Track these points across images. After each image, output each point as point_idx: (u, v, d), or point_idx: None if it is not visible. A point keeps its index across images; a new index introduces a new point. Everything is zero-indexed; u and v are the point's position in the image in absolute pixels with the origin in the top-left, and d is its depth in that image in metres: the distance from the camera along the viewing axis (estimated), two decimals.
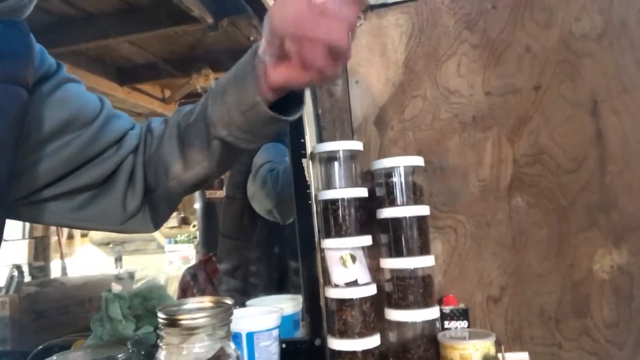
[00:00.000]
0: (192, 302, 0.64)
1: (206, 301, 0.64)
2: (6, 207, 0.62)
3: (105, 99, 0.74)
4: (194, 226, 4.65)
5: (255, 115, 0.63)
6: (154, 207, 0.74)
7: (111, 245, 4.60)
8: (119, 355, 0.83)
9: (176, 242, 4.61)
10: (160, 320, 0.59)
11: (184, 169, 0.69)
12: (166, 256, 4.48)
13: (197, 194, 3.81)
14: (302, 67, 0.57)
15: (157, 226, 0.77)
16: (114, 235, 5.08)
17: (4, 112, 0.57)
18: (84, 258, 4.38)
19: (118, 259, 4.22)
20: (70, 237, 4.48)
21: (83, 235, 4.76)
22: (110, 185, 0.71)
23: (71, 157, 0.66)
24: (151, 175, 0.72)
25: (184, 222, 4.95)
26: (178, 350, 0.58)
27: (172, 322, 0.58)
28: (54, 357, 0.83)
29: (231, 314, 0.62)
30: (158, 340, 0.60)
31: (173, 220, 4.83)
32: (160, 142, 0.71)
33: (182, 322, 0.58)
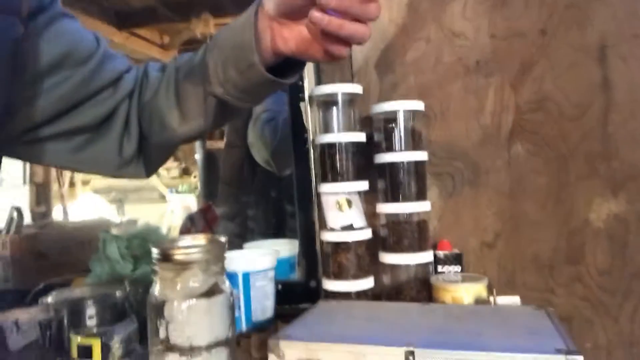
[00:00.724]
0: (186, 239, 0.64)
1: (200, 238, 0.64)
2: (3, 143, 0.62)
3: (102, 37, 0.71)
4: (194, 176, 4.67)
5: (252, 75, 0.61)
6: (147, 155, 0.74)
7: (113, 194, 4.64)
8: (117, 293, 0.84)
9: (177, 192, 4.64)
10: (155, 256, 0.59)
11: (180, 123, 0.68)
12: (168, 206, 4.52)
13: (197, 145, 3.81)
14: (316, 41, 0.56)
15: (149, 174, 0.77)
16: (115, 183, 5.11)
17: None
18: (85, 205, 4.42)
19: (120, 207, 4.26)
20: (72, 184, 4.50)
21: (84, 183, 4.79)
22: (106, 128, 0.70)
23: (67, 94, 0.65)
24: (145, 122, 0.71)
25: (185, 172, 4.96)
26: (172, 285, 0.58)
27: (166, 257, 0.58)
28: (54, 293, 0.85)
29: (225, 250, 0.62)
30: (153, 276, 0.60)
31: (174, 171, 4.84)
32: (157, 91, 0.70)
33: (176, 256, 0.58)
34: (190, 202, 4.46)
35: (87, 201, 4.57)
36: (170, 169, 4.93)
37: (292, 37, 0.60)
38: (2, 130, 0.61)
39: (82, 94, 0.66)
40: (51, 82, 0.63)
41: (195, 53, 0.68)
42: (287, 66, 0.64)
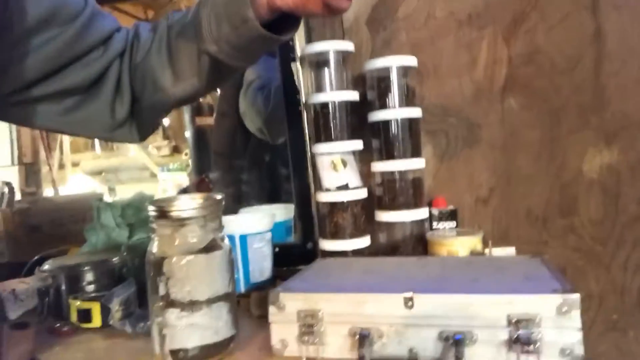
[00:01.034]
0: (184, 197, 0.63)
1: (197, 197, 0.64)
2: None
3: None
4: (186, 154, 4.64)
5: (247, 31, 0.60)
6: (140, 118, 0.73)
7: (103, 174, 4.60)
8: (114, 259, 0.84)
9: (169, 170, 4.61)
10: (152, 213, 0.59)
11: (173, 83, 0.67)
12: (159, 184, 4.50)
13: (187, 121, 3.77)
14: None
15: (142, 137, 0.75)
16: (105, 164, 5.06)
17: None
18: (76, 187, 4.38)
19: (111, 188, 4.23)
20: (62, 166, 4.46)
21: (74, 165, 4.74)
22: (97, 89, 0.69)
23: (56, 52, 0.64)
24: (137, 84, 0.70)
25: (176, 150, 4.92)
26: (170, 241, 0.58)
27: (164, 214, 0.58)
28: (50, 261, 0.84)
29: (222, 207, 0.62)
30: (150, 234, 0.60)
31: (165, 149, 4.79)
32: (149, 50, 0.68)
33: (173, 213, 0.58)
34: (182, 180, 4.44)
35: (77, 182, 4.53)
36: (160, 147, 4.88)
37: None
38: None
39: (71, 52, 0.65)
40: (39, 40, 0.62)
41: (188, 10, 0.67)
42: (282, 22, 0.62)
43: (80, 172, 4.95)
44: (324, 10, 0.58)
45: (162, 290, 0.58)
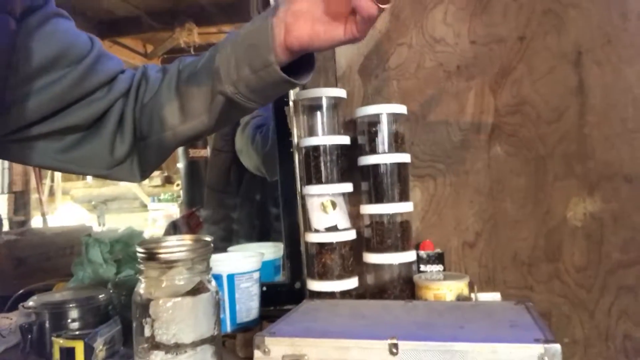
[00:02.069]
0: (172, 239, 0.64)
1: (186, 239, 0.65)
2: None
3: (96, 38, 0.71)
4: (177, 185, 4.64)
5: (267, 75, 0.61)
6: (143, 156, 0.73)
7: (93, 203, 4.58)
8: (100, 296, 0.83)
9: (159, 200, 4.60)
10: (140, 255, 0.60)
11: (181, 121, 0.68)
12: (150, 214, 4.47)
13: (180, 153, 3.78)
14: (333, 19, 0.56)
15: (143, 176, 0.75)
16: (95, 193, 5.04)
17: None
18: (65, 215, 4.35)
19: (100, 217, 4.20)
20: (52, 194, 4.43)
21: (64, 193, 4.72)
22: (98, 128, 0.69)
23: (60, 94, 0.64)
24: (145, 123, 0.70)
25: (168, 181, 4.92)
26: (157, 283, 0.58)
27: (152, 256, 0.59)
28: (35, 297, 0.84)
29: (210, 250, 0.63)
30: (137, 275, 0.60)
31: (156, 179, 4.80)
32: (158, 90, 0.69)
33: (161, 255, 0.59)
34: (172, 211, 4.42)
35: (67, 211, 4.50)
36: (152, 177, 4.89)
37: (305, 26, 0.59)
38: None
39: (75, 93, 0.66)
40: (44, 82, 0.63)
41: (201, 56, 0.68)
42: (299, 66, 0.64)
43: (70, 201, 4.93)
44: (347, 30, 0.58)
45: (147, 332, 0.57)
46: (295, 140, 0.93)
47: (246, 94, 0.63)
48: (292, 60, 0.62)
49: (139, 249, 0.60)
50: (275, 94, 0.68)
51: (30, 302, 0.82)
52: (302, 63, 0.64)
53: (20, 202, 2.74)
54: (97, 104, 0.68)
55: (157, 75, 0.71)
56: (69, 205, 4.79)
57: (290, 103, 0.94)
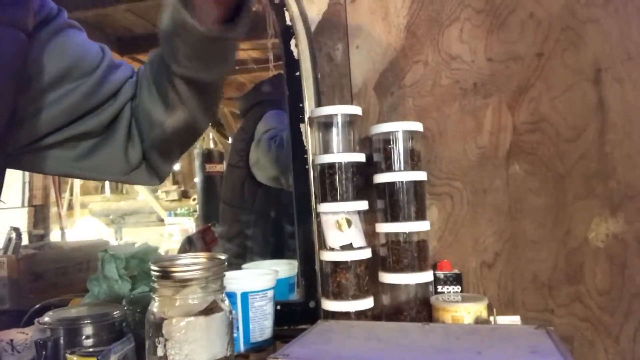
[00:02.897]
0: (186, 257, 0.64)
1: (200, 257, 0.64)
2: (6, 155, 0.62)
3: (107, 48, 0.72)
4: (194, 199, 4.67)
5: (190, 35, 0.60)
6: (150, 159, 0.74)
7: (111, 217, 4.63)
8: (115, 313, 0.83)
9: (176, 215, 4.63)
10: (154, 273, 0.59)
11: (165, 115, 0.68)
12: (166, 229, 4.50)
13: (197, 168, 3.82)
14: None
15: (160, 179, 0.76)
16: (113, 207, 5.10)
17: (3, 56, 0.56)
18: (83, 228, 4.40)
19: (118, 231, 4.24)
20: (70, 207, 4.50)
21: (83, 207, 4.78)
22: (111, 133, 0.70)
23: (74, 105, 0.65)
24: (140, 125, 0.71)
25: (184, 195, 4.96)
26: (171, 302, 0.58)
27: (166, 274, 0.59)
28: (50, 313, 0.84)
29: (224, 268, 0.62)
30: (151, 293, 0.60)
31: (173, 193, 4.85)
32: (141, 90, 0.70)
33: (176, 274, 0.58)
34: (188, 225, 4.45)
35: (85, 224, 4.56)
36: (169, 192, 4.93)
37: None
38: (8, 142, 0.62)
39: (88, 104, 0.67)
40: (57, 94, 0.64)
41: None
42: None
43: (89, 214, 4.99)
44: None
45: (160, 352, 0.57)
46: (310, 157, 0.93)
47: (189, 64, 0.63)
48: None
49: (153, 267, 0.60)
50: (217, 55, 0.65)
51: (46, 318, 0.82)
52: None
53: (39, 216, 2.78)
54: (107, 111, 0.69)
55: (141, 74, 0.72)
56: (87, 219, 4.85)
57: (306, 120, 0.94)
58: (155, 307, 0.59)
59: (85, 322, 0.80)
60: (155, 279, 0.59)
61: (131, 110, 0.71)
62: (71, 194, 4.70)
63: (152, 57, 0.70)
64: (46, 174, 1.74)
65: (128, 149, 0.71)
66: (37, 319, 0.83)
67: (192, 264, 0.61)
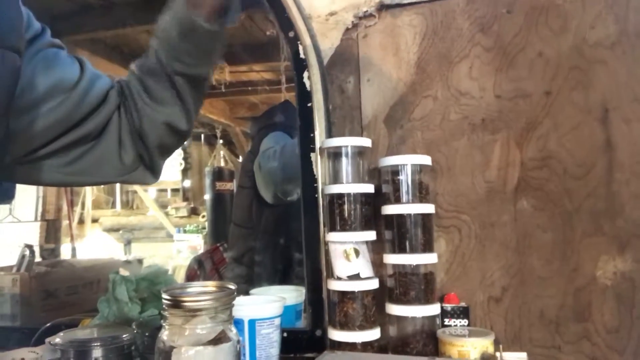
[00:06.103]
0: (196, 286, 0.65)
1: (210, 285, 0.66)
2: (4, 168, 0.66)
3: (85, 59, 0.77)
4: (203, 217, 4.70)
5: (195, 34, 0.68)
6: (150, 159, 0.79)
7: (121, 232, 4.67)
8: (124, 336, 0.85)
9: (185, 231, 4.66)
10: (165, 301, 0.61)
11: (165, 114, 0.74)
12: (175, 245, 4.53)
13: (207, 186, 3.85)
14: None
15: (157, 177, 0.82)
16: (123, 221, 5.15)
17: (2, 78, 0.59)
18: (93, 243, 4.44)
19: (127, 245, 4.27)
20: (81, 221, 4.55)
21: (93, 221, 4.83)
22: (102, 139, 0.75)
23: (62, 119, 0.70)
24: (142, 131, 0.76)
25: (194, 212, 5.00)
26: (181, 331, 0.59)
27: (176, 304, 0.60)
28: (61, 334, 0.85)
29: (233, 298, 0.63)
30: (162, 321, 0.62)
31: (183, 210, 4.89)
32: (131, 100, 0.75)
33: (186, 303, 0.60)
34: (197, 242, 4.47)
35: (95, 239, 4.60)
36: (179, 208, 4.97)
37: None
38: (4, 155, 0.65)
39: (75, 116, 0.71)
40: (45, 108, 0.68)
41: (146, 53, 0.75)
42: None
43: (99, 228, 5.04)
44: None
45: None
46: (320, 186, 0.94)
47: (191, 62, 0.70)
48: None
49: (165, 296, 0.61)
50: (214, 49, 0.73)
51: (57, 339, 0.84)
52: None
53: (51, 230, 2.83)
54: (96, 119, 0.73)
55: (129, 81, 0.77)
56: (97, 233, 4.89)
57: (317, 150, 0.96)
58: (165, 335, 0.60)
59: (96, 344, 0.81)
60: (166, 307, 0.61)
61: (119, 120, 0.75)
62: (82, 208, 4.75)
63: (140, 66, 0.75)
64: (40, 185, 1.80)
65: (121, 153, 0.76)
66: (47, 339, 0.85)
67: (202, 292, 0.63)
